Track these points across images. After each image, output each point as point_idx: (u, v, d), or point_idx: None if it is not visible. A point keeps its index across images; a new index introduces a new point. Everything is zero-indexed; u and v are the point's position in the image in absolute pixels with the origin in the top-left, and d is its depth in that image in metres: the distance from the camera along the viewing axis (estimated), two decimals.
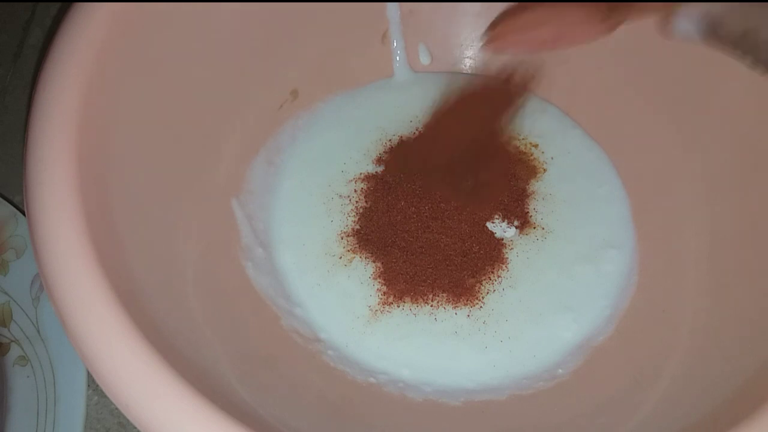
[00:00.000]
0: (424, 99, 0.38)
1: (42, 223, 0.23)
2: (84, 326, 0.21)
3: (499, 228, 0.35)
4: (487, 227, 0.35)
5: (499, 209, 0.35)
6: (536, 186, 0.36)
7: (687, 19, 0.26)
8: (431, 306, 0.33)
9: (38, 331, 0.34)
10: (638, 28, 0.35)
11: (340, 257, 0.34)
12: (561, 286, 0.34)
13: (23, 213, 0.37)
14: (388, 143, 0.37)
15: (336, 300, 0.33)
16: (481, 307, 0.33)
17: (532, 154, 0.37)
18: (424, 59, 0.40)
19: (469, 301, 0.33)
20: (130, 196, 0.27)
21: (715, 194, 0.33)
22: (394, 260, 0.34)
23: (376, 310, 0.33)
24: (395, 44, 0.39)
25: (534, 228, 0.35)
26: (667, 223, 0.34)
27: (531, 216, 0.35)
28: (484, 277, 0.34)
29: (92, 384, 0.34)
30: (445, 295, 0.33)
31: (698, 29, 0.25)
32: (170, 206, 0.30)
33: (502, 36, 0.32)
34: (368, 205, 0.35)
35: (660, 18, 0.27)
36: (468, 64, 0.40)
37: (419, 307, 0.33)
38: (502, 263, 0.34)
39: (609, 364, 0.31)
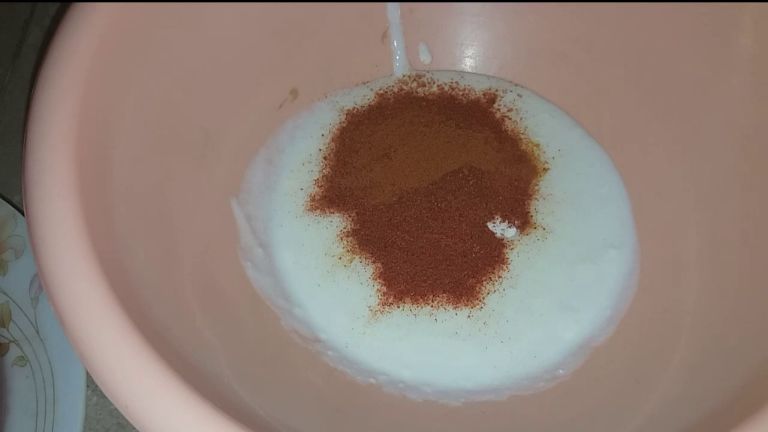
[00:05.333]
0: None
1: (41, 224, 0.23)
2: (83, 327, 0.21)
3: (500, 228, 0.35)
4: (487, 227, 0.34)
5: (499, 209, 0.35)
6: (537, 186, 0.36)
7: None
8: (431, 306, 0.33)
9: (37, 332, 0.34)
10: (639, 28, 0.35)
11: (340, 257, 0.34)
12: (562, 286, 0.34)
13: (22, 213, 0.37)
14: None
15: (336, 300, 0.33)
16: (481, 307, 0.33)
17: (533, 154, 0.37)
18: (425, 58, 0.40)
19: (469, 302, 0.33)
20: (130, 196, 0.27)
21: (716, 194, 0.33)
22: (394, 260, 0.34)
23: (376, 311, 0.33)
24: (395, 44, 0.39)
25: (534, 228, 0.35)
26: (668, 223, 0.34)
27: (531, 216, 0.35)
28: (484, 278, 0.34)
29: (91, 384, 0.33)
30: (445, 295, 0.33)
31: None
32: (169, 206, 0.30)
33: None
34: (368, 206, 0.35)
35: None
36: (468, 63, 0.40)
37: (419, 307, 0.33)
38: (503, 263, 0.34)
39: (610, 365, 0.31)
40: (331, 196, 0.36)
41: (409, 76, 0.40)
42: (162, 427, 0.20)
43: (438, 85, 0.39)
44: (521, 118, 0.38)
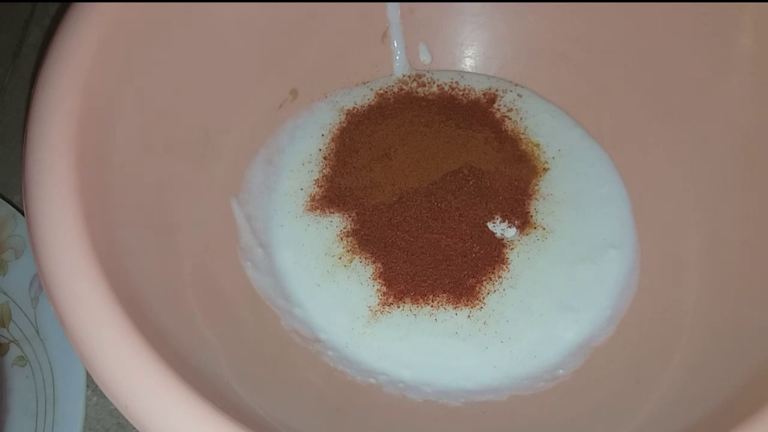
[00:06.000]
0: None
1: (41, 224, 0.23)
2: (83, 327, 0.21)
3: (500, 228, 0.35)
4: (487, 227, 0.34)
5: (499, 209, 0.35)
6: (537, 186, 0.36)
7: None
8: (431, 306, 0.33)
9: (37, 332, 0.34)
10: (639, 28, 0.35)
11: (340, 257, 0.34)
12: (562, 286, 0.34)
13: (22, 213, 0.37)
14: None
15: (336, 300, 0.33)
16: (481, 307, 0.33)
17: (533, 154, 0.37)
18: (425, 58, 0.40)
19: (469, 302, 0.33)
20: (130, 196, 0.27)
21: (716, 194, 0.33)
22: (394, 260, 0.34)
23: (376, 311, 0.33)
24: (395, 44, 0.39)
25: (534, 228, 0.35)
26: (668, 223, 0.34)
27: (531, 216, 0.35)
28: (484, 278, 0.34)
29: (91, 384, 0.33)
30: (445, 295, 0.33)
31: None
32: (169, 206, 0.30)
33: None
34: (368, 206, 0.35)
35: None
36: (468, 63, 0.40)
37: (419, 307, 0.33)
38: (503, 263, 0.34)
39: (610, 365, 0.31)
40: (331, 196, 0.36)
41: (409, 76, 0.40)
42: (162, 427, 0.20)
43: (438, 85, 0.39)
44: (521, 118, 0.38)
